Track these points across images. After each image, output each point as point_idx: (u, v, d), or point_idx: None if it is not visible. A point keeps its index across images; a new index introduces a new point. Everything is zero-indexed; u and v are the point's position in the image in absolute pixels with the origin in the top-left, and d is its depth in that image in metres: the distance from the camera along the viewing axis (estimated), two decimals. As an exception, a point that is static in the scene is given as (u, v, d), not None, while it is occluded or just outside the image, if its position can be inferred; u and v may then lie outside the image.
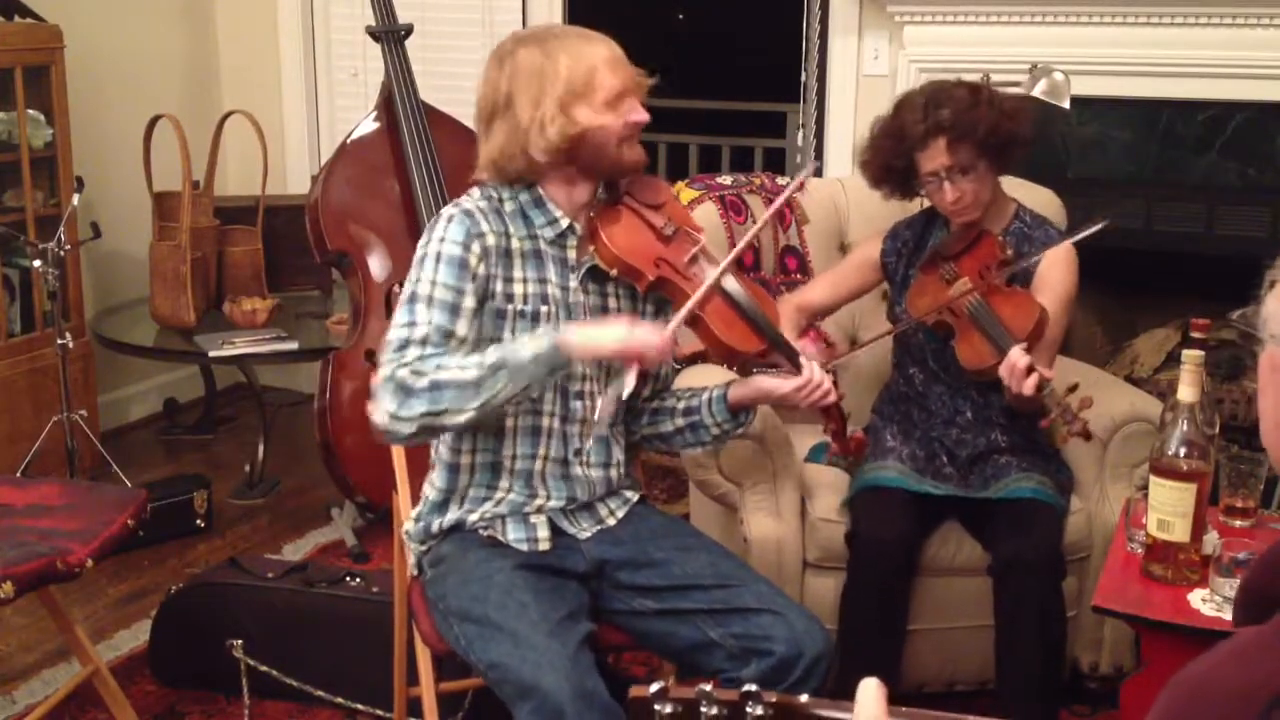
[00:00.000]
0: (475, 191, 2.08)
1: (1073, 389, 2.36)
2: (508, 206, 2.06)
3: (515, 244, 2.04)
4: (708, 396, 2.18)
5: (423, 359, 1.93)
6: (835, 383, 2.18)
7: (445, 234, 2.00)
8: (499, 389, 1.91)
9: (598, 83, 1.98)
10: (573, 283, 2.07)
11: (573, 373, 2.04)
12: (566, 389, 2.07)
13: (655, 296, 2.14)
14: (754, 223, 3.06)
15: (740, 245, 2.23)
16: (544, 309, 2.04)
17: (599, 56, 2.00)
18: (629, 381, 1.98)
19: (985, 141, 2.50)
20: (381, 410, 1.93)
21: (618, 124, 2.00)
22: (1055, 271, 2.57)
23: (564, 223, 2.06)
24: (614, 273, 2.06)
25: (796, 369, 2.12)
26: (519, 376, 1.91)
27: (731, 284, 2.11)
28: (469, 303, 1.98)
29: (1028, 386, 2.30)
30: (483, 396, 1.90)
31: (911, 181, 2.61)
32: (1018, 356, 2.31)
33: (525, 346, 1.93)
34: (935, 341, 2.62)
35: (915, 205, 2.79)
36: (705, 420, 2.18)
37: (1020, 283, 2.57)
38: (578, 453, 2.10)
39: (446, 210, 2.04)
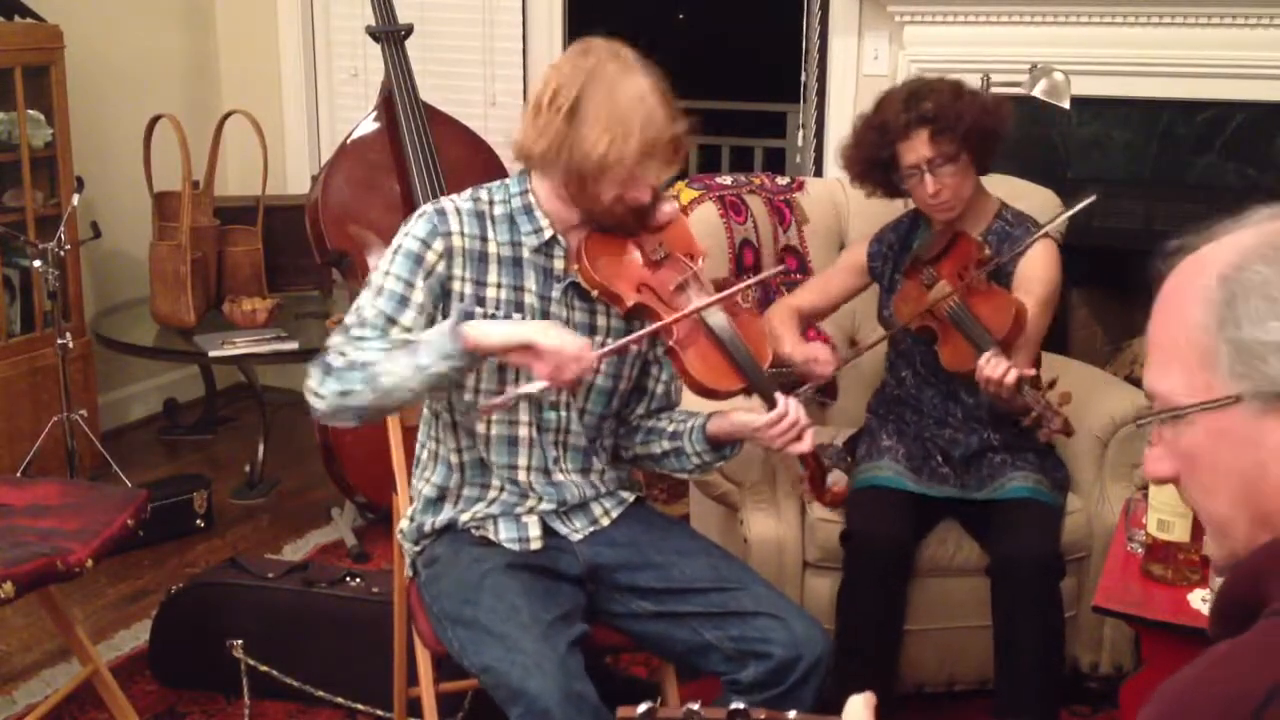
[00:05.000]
0: (467, 191, 2.08)
1: (1051, 385, 2.37)
2: (497, 210, 2.05)
3: (492, 249, 2.03)
4: (690, 425, 2.15)
5: (355, 340, 1.95)
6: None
7: (409, 229, 2.02)
8: (399, 371, 1.89)
9: (638, 174, 1.95)
10: (555, 293, 2.05)
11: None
12: (541, 400, 2.05)
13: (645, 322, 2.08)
14: (754, 223, 3.06)
15: (726, 293, 2.11)
16: (517, 316, 2.03)
17: (660, 147, 1.94)
18: (534, 386, 1.91)
19: (968, 134, 2.49)
20: (305, 384, 1.96)
21: (621, 193, 1.98)
22: (1035, 269, 2.56)
23: (547, 233, 2.04)
24: (595, 294, 2.04)
25: (771, 408, 2.05)
26: (421, 357, 1.88)
27: (716, 318, 2.04)
28: (418, 297, 1.98)
29: (1006, 387, 2.31)
30: (384, 377, 1.89)
31: (893, 177, 2.59)
32: (990, 366, 2.32)
33: (429, 331, 1.93)
34: (923, 345, 2.62)
35: (902, 205, 2.79)
36: (687, 449, 2.15)
37: (1002, 281, 2.56)
38: (557, 460, 2.10)
39: (424, 207, 2.05)
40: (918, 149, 2.50)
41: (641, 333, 2.01)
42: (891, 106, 2.55)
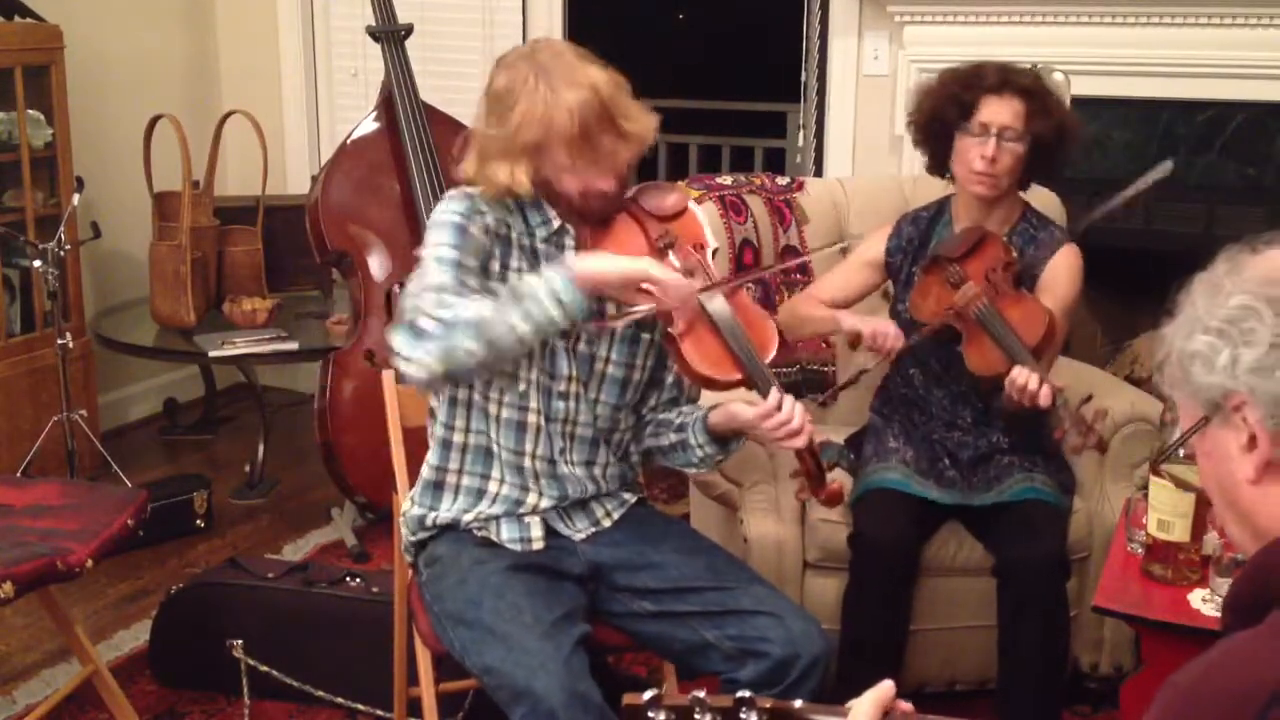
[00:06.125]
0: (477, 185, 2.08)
1: (1086, 400, 2.33)
2: (510, 201, 2.06)
3: (514, 235, 2.05)
4: (695, 418, 2.15)
5: (439, 304, 1.90)
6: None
7: (448, 206, 2.03)
8: (511, 324, 1.87)
9: (581, 158, 1.96)
10: None
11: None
12: (550, 389, 2.06)
13: None
14: (754, 223, 3.06)
15: (736, 280, 2.10)
16: None
17: (588, 113, 1.94)
18: (641, 309, 1.94)
19: (1056, 126, 2.48)
20: (394, 354, 1.92)
21: (579, 185, 1.99)
22: (1060, 274, 2.54)
23: (555, 223, 2.06)
24: None
25: (764, 398, 2.02)
26: (533, 309, 1.88)
27: (717, 305, 2.02)
28: (471, 262, 1.98)
29: (1042, 399, 2.28)
30: (494, 326, 1.87)
31: (959, 125, 2.50)
32: (1026, 377, 2.28)
33: (537, 281, 1.91)
34: (938, 343, 2.59)
35: (915, 202, 2.78)
36: (691, 441, 2.14)
37: (1026, 284, 2.55)
38: (563, 451, 2.10)
39: (450, 191, 2.07)
40: (1002, 111, 2.46)
41: (746, 278, 2.03)
42: (988, 67, 2.51)
